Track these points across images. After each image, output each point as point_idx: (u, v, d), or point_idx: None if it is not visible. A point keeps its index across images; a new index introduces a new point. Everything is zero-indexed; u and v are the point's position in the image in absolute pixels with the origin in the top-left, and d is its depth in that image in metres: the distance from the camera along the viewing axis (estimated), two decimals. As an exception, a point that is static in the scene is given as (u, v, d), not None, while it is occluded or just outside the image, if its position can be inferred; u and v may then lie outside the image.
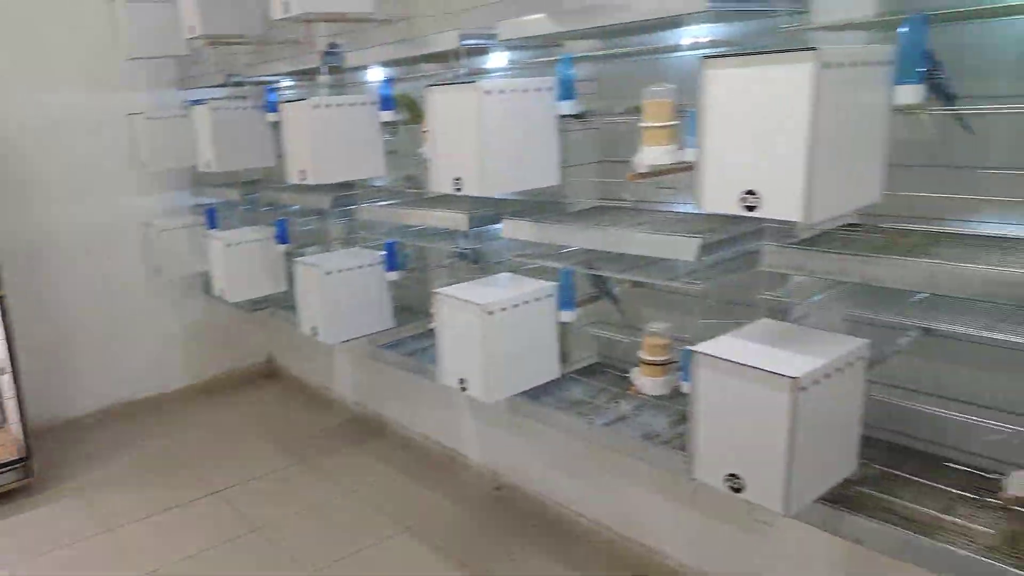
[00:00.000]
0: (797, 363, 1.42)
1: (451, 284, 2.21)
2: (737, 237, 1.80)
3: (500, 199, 2.33)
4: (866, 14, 1.63)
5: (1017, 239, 1.58)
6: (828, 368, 1.44)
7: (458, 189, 1.91)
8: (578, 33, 1.98)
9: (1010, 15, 1.53)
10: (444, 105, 1.89)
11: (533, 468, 2.95)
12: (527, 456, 2.96)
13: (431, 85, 1.91)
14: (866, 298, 1.72)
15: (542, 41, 2.22)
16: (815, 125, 1.23)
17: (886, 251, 1.52)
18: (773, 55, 1.27)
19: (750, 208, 1.36)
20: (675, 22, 1.82)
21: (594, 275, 2.16)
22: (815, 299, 1.72)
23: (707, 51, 1.73)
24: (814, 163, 1.25)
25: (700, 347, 1.52)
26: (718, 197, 1.40)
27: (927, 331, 1.58)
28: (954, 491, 1.61)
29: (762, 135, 1.30)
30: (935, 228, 1.66)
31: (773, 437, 1.40)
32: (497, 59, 2.44)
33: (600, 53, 2.18)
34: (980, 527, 1.51)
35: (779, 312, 1.76)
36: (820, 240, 1.67)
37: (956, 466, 1.67)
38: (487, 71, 2.41)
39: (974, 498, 1.58)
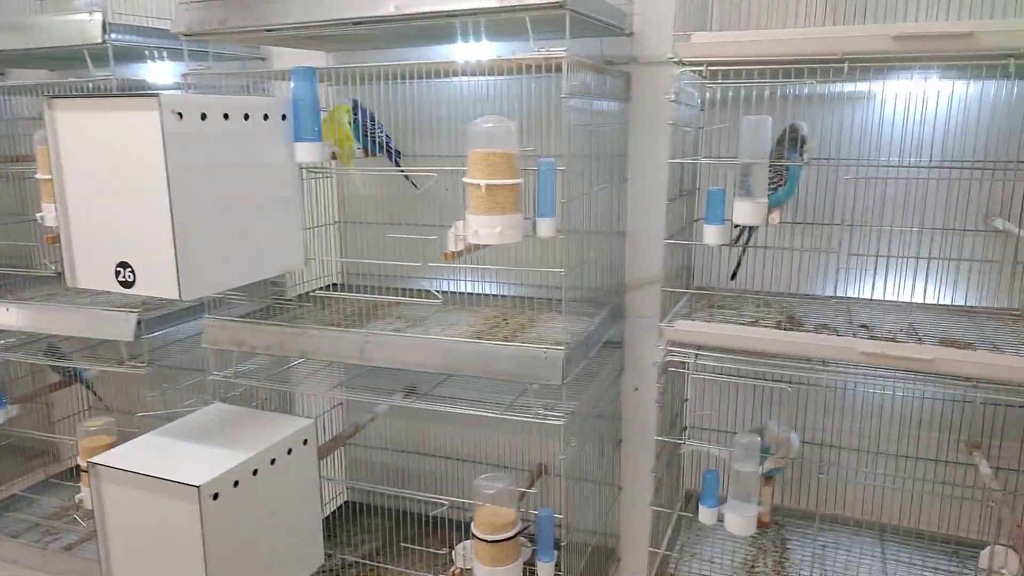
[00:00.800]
0: (216, 463, 1.19)
1: None
2: (195, 308, 1.55)
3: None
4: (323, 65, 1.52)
5: (496, 295, 1.59)
6: (256, 461, 1.23)
7: None
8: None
9: (439, 76, 1.54)
10: None
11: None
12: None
13: None
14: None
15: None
16: (175, 185, 1.02)
17: (334, 321, 1.40)
18: (121, 99, 1.04)
19: (127, 284, 1.10)
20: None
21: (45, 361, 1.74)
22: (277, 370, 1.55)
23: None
24: (184, 231, 1.04)
25: (102, 456, 1.22)
26: (91, 270, 1.13)
27: (409, 393, 1.47)
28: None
29: (123, 195, 1.06)
30: (393, 288, 1.59)
31: (190, 558, 1.15)
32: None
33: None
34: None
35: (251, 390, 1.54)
36: (273, 310, 1.49)
37: (425, 549, 1.60)
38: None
39: None
